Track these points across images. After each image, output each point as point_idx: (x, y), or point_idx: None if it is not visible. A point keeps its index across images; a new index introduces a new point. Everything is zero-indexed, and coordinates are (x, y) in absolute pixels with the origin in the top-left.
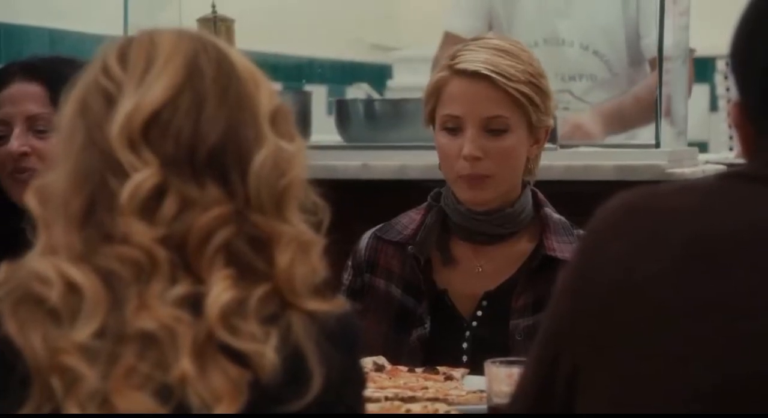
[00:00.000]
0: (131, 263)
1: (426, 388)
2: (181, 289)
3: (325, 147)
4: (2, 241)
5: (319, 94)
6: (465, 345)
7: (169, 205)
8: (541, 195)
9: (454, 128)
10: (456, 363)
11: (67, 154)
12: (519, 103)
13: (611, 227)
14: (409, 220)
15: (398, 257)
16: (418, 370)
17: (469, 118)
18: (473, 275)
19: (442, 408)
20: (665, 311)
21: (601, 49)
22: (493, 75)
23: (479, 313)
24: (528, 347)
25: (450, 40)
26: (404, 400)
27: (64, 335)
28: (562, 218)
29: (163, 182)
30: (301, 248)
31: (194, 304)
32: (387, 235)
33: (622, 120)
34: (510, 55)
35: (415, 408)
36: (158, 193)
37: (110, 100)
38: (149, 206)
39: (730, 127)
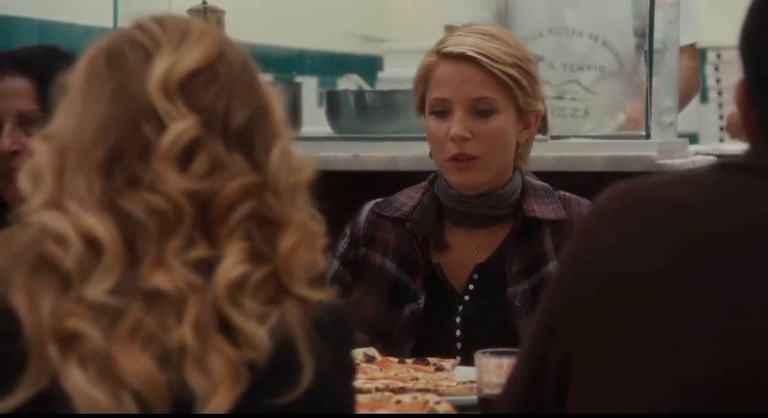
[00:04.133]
0: (156, 213)
1: (416, 379)
2: (198, 251)
3: (315, 138)
4: None
5: (309, 86)
6: (458, 319)
7: (200, 163)
8: (526, 171)
9: (442, 112)
10: (449, 337)
11: (92, 104)
12: (505, 84)
13: (607, 219)
14: (407, 197)
15: (395, 232)
16: (409, 361)
17: (456, 100)
18: (468, 255)
19: (432, 399)
20: (658, 306)
21: (609, 40)
22: (479, 57)
23: (471, 287)
24: (528, 312)
25: None
26: (394, 391)
27: (75, 295)
28: (544, 184)
29: (199, 138)
30: (306, 237)
31: (207, 270)
32: (385, 211)
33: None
34: (496, 38)
35: (405, 399)
36: (192, 149)
37: (147, 53)
38: (182, 159)
39: (720, 118)
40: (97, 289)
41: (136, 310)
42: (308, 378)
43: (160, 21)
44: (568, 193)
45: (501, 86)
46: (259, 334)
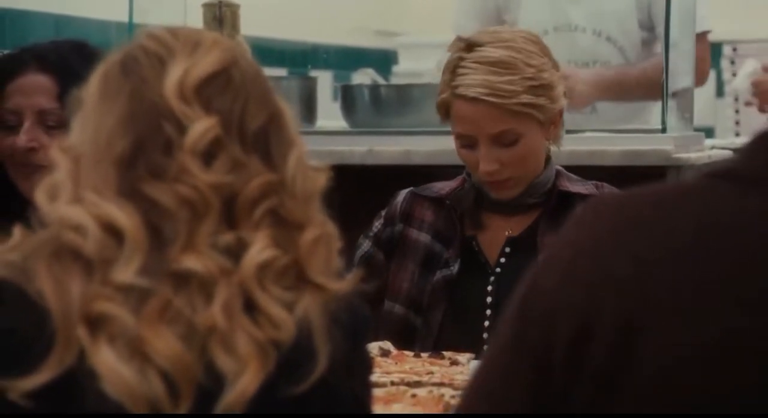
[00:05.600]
0: (185, 202)
1: (431, 373)
2: (227, 238)
3: (330, 132)
4: (8, 230)
5: (324, 80)
6: (490, 288)
7: (221, 162)
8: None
9: (468, 141)
10: (481, 304)
11: (108, 109)
12: (523, 113)
13: (612, 240)
14: (445, 184)
15: (433, 209)
16: (424, 355)
17: (478, 135)
18: (502, 233)
19: (447, 393)
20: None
21: (613, 35)
22: (492, 98)
23: (502, 260)
24: None
25: None
26: (410, 385)
27: (103, 279)
28: (577, 176)
29: (219, 138)
30: (324, 236)
31: (233, 257)
32: (424, 192)
33: (621, 89)
34: (506, 67)
35: (421, 393)
36: (213, 148)
37: (161, 60)
38: (205, 156)
39: (736, 112)
40: (125, 272)
41: (165, 291)
42: (323, 365)
43: (173, 31)
44: (600, 183)
45: (519, 116)
46: (284, 316)
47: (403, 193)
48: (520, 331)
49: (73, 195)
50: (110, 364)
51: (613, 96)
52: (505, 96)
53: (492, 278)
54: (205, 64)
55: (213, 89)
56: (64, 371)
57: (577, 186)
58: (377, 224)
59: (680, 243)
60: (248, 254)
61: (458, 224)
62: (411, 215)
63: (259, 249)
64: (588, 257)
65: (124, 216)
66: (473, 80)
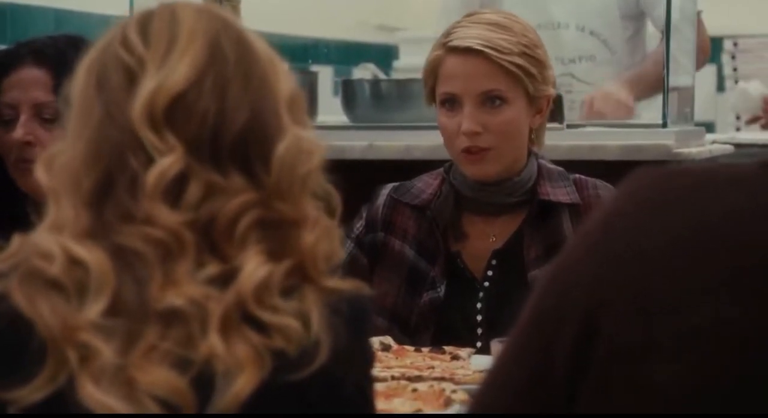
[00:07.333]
0: (157, 244)
1: (432, 367)
2: (211, 269)
3: (331, 127)
4: (7, 225)
5: (325, 75)
6: (479, 305)
7: (193, 191)
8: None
9: (452, 106)
10: (471, 324)
11: (81, 128)
12: (514, 75)
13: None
14: (425, 184)
15: (413, 218)
16: (425, 349)
17: (465, 94)
18: (485, 243)
19: (448, 388)
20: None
21: (597, 29)
22: (486, 49)
23: (490, 273)
24: None
25: None
26: (411, 379)
27: (75, 312)
28: (559, 168)
29: (186, 168)
30: (324, 231)
31: (223, 282)
32: (404, 197)
33: (647, 84)
34: (502, 28)
35: (422, 387)
36: (182, 179)
37: (131, 77)
38: (173, 191)
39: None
40: (93, 310)
41: (151, 334)
42: (324, 354)
43: (145, 29)
44: (582, 176)
45: (509, 77)
46: (294, 326)
47: (384, 195)
48: (539, 307)
49: (52, 221)
50: (97, 398)
51: (645, 93)
52: (500, 51)
53: (480, 295)
54: (177, 76)
55: (184, 106)
56: (55, 391)
57: (558, 191)
58: (359, 226)
59: (713, 226)
60: (243, 275)
61: (441, 240)
62: (392, 223)
63: (254, 267)
64: (616, 229)
65: (90, 256)
66: (468, 33)
